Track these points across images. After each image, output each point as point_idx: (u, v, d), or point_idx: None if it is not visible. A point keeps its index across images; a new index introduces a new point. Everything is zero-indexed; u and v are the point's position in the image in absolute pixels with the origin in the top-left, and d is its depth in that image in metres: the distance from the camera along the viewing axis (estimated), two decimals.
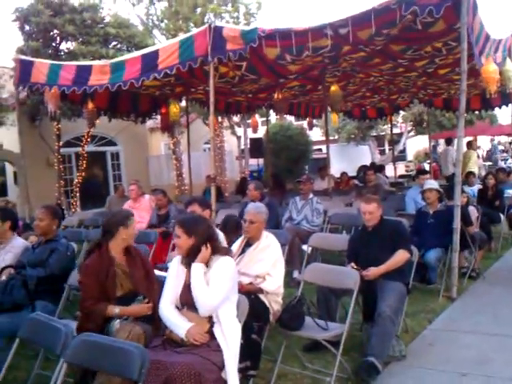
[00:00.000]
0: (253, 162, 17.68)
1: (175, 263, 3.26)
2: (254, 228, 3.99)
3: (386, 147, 27.21)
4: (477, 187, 8.73)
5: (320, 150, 21.16)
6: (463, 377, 3.62)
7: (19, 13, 11.41)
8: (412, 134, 22.61)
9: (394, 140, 17.04)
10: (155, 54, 6.57)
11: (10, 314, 3.77)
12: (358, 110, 14.33)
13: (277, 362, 3.68)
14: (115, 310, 3.19)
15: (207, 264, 3.10)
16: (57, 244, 4.32)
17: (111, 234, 3.43)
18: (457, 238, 5.39)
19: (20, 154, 8.31)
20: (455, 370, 3.73)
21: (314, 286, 4.23)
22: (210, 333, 2.97)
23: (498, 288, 5.77)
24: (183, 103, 10.88)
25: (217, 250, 3.15)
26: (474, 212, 6.65)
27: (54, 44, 11.74)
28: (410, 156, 27.93)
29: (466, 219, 5.83)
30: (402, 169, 22.65)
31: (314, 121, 15.78)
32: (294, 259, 6.12)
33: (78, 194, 12.82)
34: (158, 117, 11.15)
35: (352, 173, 13.03)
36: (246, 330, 3.24)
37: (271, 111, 13.27)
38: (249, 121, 16.61)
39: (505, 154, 27.52)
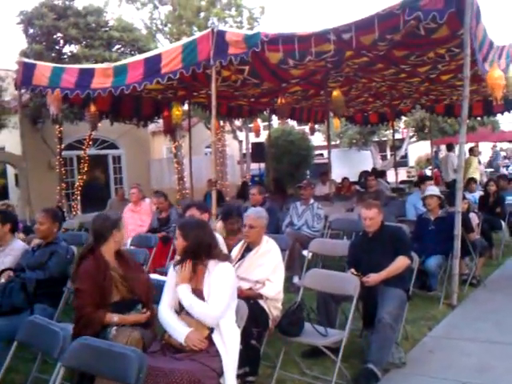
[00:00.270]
0: (254, 166, 17.68)
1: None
2: (254, 233, 3.98)
3: (388, 153, 27.19)
4: (478, 194, 8.71)
5: (322, 154, 21.17)
6: None
7: (23, 16, 11.45)
8: (414, 139, 22.58)
9: (396, 146, 17.01)
10: (158, 57, 6.56)
11: (9, 317, 3.75)
12: (360, 116, 14.34)
13: (276, 368, 3.67)
14: (114, 318, 3.16)
15: (206, 269, 3.09)
16: (57, 247, 4.32)
17: (104, 237, 3.38)
18: (458, 244, 5.37)
19: (22, 156, 8.31)
20: (455, 377, 3.71)
21: (313, 292, 4.22)
22: (209, 339, 2.95)
23: (498, 295, 5.74)
24: (185, 107, 10.88)
25: (216, 256, 3.14)
26: (474, 219, 6.63)
27: (57, 47, 11.78)
28: (411, 162, 27.90)
29: (466, 226, 5.82)
30: (403, 174, 22.61)
31: (316, 126, 15.77)
32: (294, 264, 6.10)
33: (79, 197, 12.83)
34: (160, 120, 11.17)
35: (353, 178, 13.01)
36: (245, 336, 3.23)
37: (273, 116, 13.28)
38: (251, 125, 16.63)
39: (506, 161, 27.47)
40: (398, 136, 20.08)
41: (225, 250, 3.98)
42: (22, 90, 8.11)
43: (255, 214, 4.06)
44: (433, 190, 6.19)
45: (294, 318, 3.66)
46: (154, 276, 4.16)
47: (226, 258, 3.27)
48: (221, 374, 2.86)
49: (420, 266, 4.90)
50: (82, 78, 7.11)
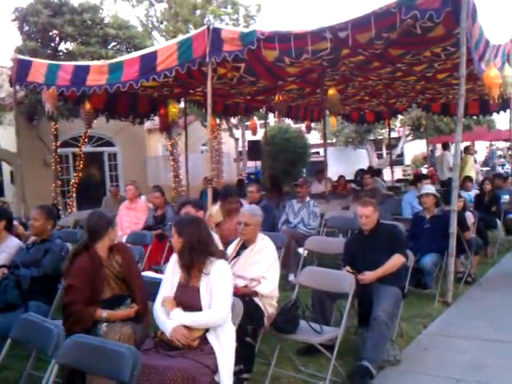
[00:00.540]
0: (251, 164, 17.69)
1: (172, 261, 3.26)
2: (250, 230, 3.97)
3: (384, 151, 27.27)
4: (473, 192, 8.73)
5: (318, 153, 21.16)
6: (458, 382, 3.61)
7: (18, 12, 11.37)
8: (410, 138, 22.65)
9: (392, 144, 17.07)
10: (154, 55, 6.54)
11: (3, 314, 3.76)
12: (356, 114, 14.36)
13: (271, 365, 3.67)
14: (103, 313, 3.16)
15: (204, 268, 3.08)
16: (51, 244, 4.31)
17: (99, 235, 3.37)
18: (453, 242, 5.39)
19: (17, 153, 8.27)
20: (450, 375, 3.72)
21: (309, 290, 4.22)
22: (204, 337, 2.95)
23: (493, 293, 5.76)
24: (181, 105, 10.86)
25: (212, 253, 3.14)
26: (470, 217, 6.65)
27: (52, 44, 11.72)
28: (407, 160, 27.98)
29: (462, 224, 5.83)
30: (399, 173, 22.67)
31: (312, 124, 15.78)
32: (289, 262, 6.09)
33: (74, 195, 12.78)
34: (156, 118, 11.13)
35: (349, 176, 13.02)
36: (240, 333, 3.23)
37: (270, 114, 13.28)
38: (247, 123, 16.62)
39: (502, 160, 27.56)
40: (394, 135, 20.14)
41: (220, 246, 3.99)
42: (17, 87, 8.08)
43: (250, 212, 4.06)
44: (429, 188, 6.20)
45: (290, 315, 3.66)
46: (149, 273, 4.16)
47: (222, 254, 3.27)
48: (215, 371, 2.85)
49: (415, 264, 4.92)
50: (76, 74, 7.09)
